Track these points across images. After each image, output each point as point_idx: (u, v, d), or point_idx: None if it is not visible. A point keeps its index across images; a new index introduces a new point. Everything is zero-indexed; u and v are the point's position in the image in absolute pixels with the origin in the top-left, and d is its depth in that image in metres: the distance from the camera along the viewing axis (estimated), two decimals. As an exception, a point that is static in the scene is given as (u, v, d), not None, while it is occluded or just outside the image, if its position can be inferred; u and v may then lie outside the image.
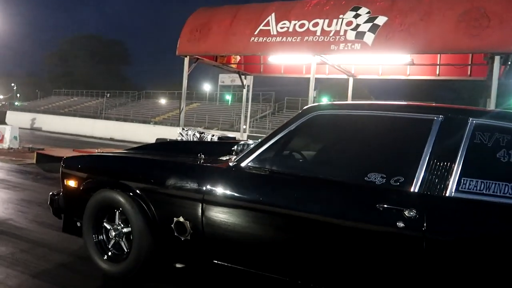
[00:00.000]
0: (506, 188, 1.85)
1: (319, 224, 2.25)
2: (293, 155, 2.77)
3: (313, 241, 2.27)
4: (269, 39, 8.50)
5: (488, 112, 2.19)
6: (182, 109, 10.28)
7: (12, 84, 77.32)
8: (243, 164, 2.53)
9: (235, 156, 2.72)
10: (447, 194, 1.95)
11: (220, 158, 3.02)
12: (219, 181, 2.55)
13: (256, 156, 2.52)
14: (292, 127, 2.53)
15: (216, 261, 2.60)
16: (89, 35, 72.91)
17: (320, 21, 8.12)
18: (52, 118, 25.96)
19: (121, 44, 74.55)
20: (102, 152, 4.06)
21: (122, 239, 2.92)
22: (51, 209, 3.34)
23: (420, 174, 2.02)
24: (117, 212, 2.92)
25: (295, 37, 8.26)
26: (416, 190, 2.00)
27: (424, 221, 1.92)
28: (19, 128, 12.23)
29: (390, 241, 2.04)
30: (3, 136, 11.30)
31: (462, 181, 1.94)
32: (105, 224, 2.99)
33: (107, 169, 3.15)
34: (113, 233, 2.93)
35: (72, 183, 3.13)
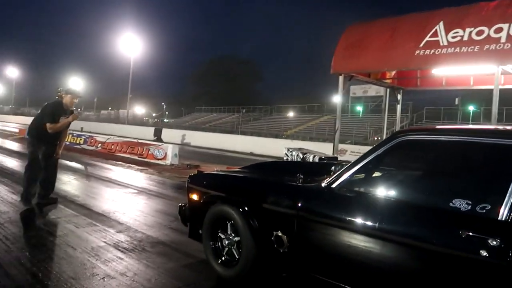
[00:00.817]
0: None
1: (403, 245, 2.25)
2: (380, 178, 2.76)
3: (396, 261, 2.31)
4: (438, 51, 7.43)
5: None
6: (337, 128, 9.72)
7: (162, 104, 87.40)
8: (334, 185, 2.66)
9: (329, 177, 2.81)
10: None
11: (317, 179, 3.06)
12: (312, 201, 2.77)
13: (346, 178, 2.64)
14: (380, 151, 2.60)
15: (312, 274, 2.78)
16: (224, 56, 78.65)
17: (505, 26, 6.79)
18: (198, 134, 28.03)
19: (252, 62, 78.47)
20: (219, 170, 4.45)
21: (233, 247, 3.26)
22: (180, 218, 3.82)
23: (508, 202, 1.95)
24: (229, 224, 3.26)
25: (472, 47, 7.06)
26: (503, 219, 1.94)
27: (509, 251, 1.84)
28: (172, 143, 13.17)
29: (473, 268, 2.00)
30: (165, 154, 12.19)
31: None
32: (219, 233, 3.35)
33: (221, 186, 3.58)
34: (226, 242, 3.30)
35: (195, 196, 3.60)
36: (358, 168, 2.64)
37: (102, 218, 5.07)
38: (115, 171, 9.71)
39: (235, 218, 3.14)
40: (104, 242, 4.14)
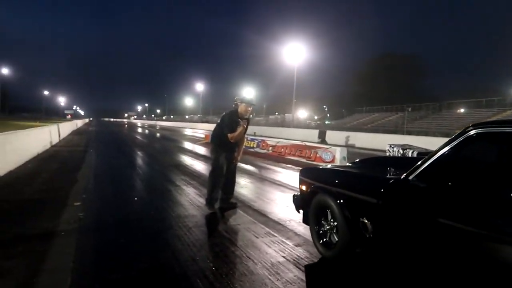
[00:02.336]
0: None
1: (471, 234, 2.24)
2: (453, 170, 2.66)
3: (460, 249, 2.34)
4: None
5: None
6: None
7: (324, 106, 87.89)
8: (410, 177, 2.77)
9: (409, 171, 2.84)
10: None
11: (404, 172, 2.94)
12: (390, 191, 2.90)
13: (420, 171, 2.72)
14: (453, 144, 2.61)
15: (390, 256, 3.01)
16: (385, 53, 73.69)
17: None
18: (361, 135, 26.62)
19: (417, 57, 71.31)
20: (326, 165, 4.74)
21: (332, 232, 3.59)
22: (294, 206, 4.27)
23: None
24: (329, 211, 3.59)
25: None
26: None
27: None
28: (339, 146, 12.47)
29: None
30: (334, 157, 11.58)
31: None
32: (322, 219, 3.72)
33: (323, 178, 3.84)
34: (327, 227, 3.64)
35: (304, 187, 4.05)
36: (432, 161, 2.69)
37: (279, 228, 4.74)
38: (286, 175, 9.58)
39: (333, 207, 3.50)
40: (283, 257, 3.73)
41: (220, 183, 5.36)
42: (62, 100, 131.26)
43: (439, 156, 2.66)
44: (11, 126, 24.60)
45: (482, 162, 2.75)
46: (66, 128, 26.19)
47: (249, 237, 4.29)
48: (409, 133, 31.15)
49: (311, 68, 76.39)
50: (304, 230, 4.58)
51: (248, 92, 50.19)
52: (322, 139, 24.63)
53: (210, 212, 5.22)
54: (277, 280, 3.19)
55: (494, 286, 2.16)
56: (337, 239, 3.50)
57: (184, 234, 4.29)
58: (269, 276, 3.26)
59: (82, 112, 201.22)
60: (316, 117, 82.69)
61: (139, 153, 14.55)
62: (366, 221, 3.07)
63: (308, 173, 4.11)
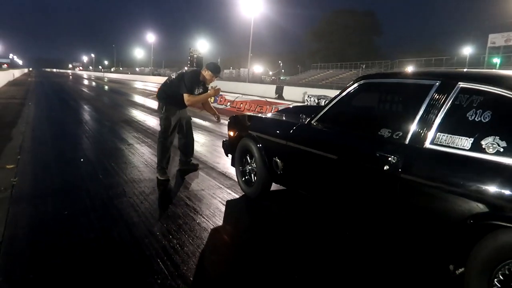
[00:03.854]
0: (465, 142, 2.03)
1: (341, 162, 2.81)
2: (342, 115, 3.11)
3: (337, 173, 2.89)
4: None
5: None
6: None
7: (279, 62, 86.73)
8: (312, 121, 3.19)
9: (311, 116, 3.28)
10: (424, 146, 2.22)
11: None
12: (296, 133, 3.31)
13: (320, 116, 3.14)
14: (346, 92, 3.03)
15: (296, 188, 3.51)
16: (344, 10, 72.82)
17: None
18: (317, 91, 26.43)
19: (373, 15, 71.10)
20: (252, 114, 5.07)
21: (252, 171, 3.98)
22: (224, 151, 4.58)
23: (412, 129, 2.32)
24: (250, 154, 3.96)
25: None
26: (406, 142, 2.31)
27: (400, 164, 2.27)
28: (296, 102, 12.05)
29: (380, 178, 2.43)
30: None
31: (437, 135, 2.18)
32: (244, 161, 4.09)
33: (244, 124, 4.16)
34: (248, 167, 4.04)
35: (231, 133, 4.34)
36: (329, 108, 3.11)
37: (247, 193, 4.22)
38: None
39: (253, 149, 3.83)
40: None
41: (170, 145, 4.69)
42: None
43: (334, 103, 3.09)
44: None
45: (366, 108, 3.26)
46: (0, 78, 23.62)
47: (216, 205, 3.77)
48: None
49: (268, 23, 74.28)
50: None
51: (201, 44, 48.08)
52: (279, 94, 24.23)
53: (163, 179, 4.51)
54: (254, 258, 2.73)
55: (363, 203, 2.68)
56: (255, 178, 3.88)
57: (140, 203, 3.68)
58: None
59: (20, 62, 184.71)
60: (271, 73, 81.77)
61: (85, 107, 13.31)
62: (278, 159, 3.48)
63: (235, 120, 4.39)
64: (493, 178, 1.87)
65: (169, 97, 4.59)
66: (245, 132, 4.05)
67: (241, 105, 13.51)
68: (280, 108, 11.17)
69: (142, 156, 5.73)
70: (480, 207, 1.88)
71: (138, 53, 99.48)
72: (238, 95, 14.71)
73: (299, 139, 3.25)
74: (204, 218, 3.42)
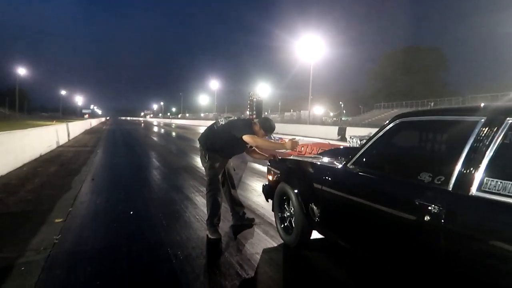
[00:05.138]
0: None
1: (383, 212, 2.42)
2: (380, 157, 2.88)
3: (376, 224, 2.55)
4: None
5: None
6: None
7: (340, 102, 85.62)
8: (349, 165, 2.95)
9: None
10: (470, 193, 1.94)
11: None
12: (332, 178, 3.09)
13: (356, 158, 2.90)
14: (382, 132, 2.79)
15: (335, 238, 3.19)
16: (406, 47, 70.76)
17: None
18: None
19: (436, 50, 68.18)
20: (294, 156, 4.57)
21: (291, 218, 3.73)
22: (264, 196, 4.38)
23: (455, 173, 2.04)
24: (289, 199, 3.76)
25: None
26: (450, 189, 2.02)
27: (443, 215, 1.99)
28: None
29: (420, 229, 2.12)
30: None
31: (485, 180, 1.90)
32: (283, 206, 3.91)
33: (283, 169, 3.99)
34: (287, 213, 3.84)
35: (270, 177, 4.25)
36: (366, 149, 2.87)
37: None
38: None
39: (291, 195, 3.64)
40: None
41: (221, 198, 4.16)
42: (79, 100, 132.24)
43: (371, 144, 2.86)
44: (23, 125, 23.99)
45: (405, 149, 3.04)
46: (78, 127, 25.50)
47: (271, 274, 3.10)
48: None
49: (327, 64, 74.52)
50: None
51: (262, 88, 48.97)
52: (341, 135, 23.29)
53: (215, 238, 3.95)
54: None
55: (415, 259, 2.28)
56: (294, 226, 3.66)
57: (184, 271, 3.12)
58: None
59: (99, 111, 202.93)
60: (332, 114, 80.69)
61: (148, 153, 13.53)
62: (314, 206, 3.27)
63: (274, 163, 4.20)
64: None
65: (214, 144, 4.12)
66: (283, 176, 3.88)
67: (303, 148, 12.88)
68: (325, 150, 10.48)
69: (195, 208, 5.26)
70: None
71: (203, 99, 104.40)
72: (300, 137, 14.16)
73: (334, 184, 3.05)
74: (258, 295, 2.76)
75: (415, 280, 2.30)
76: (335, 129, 25.86)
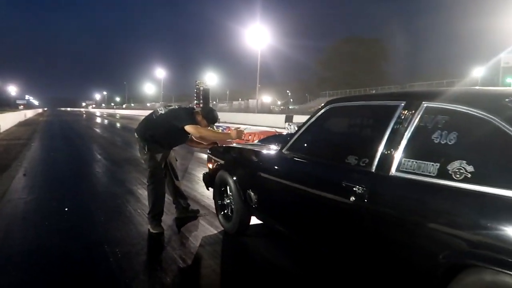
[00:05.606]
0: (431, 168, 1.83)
1: (312, 194, 2.54)
2: (310, 143, 2.92)
3: (309, 207, 2.63)
4: None
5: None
6: None
7: (287, 91, 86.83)
8: (284, 150, 2.99)
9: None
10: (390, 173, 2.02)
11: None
12: (267, 163, 3.17)
13: (290, 145, 2.96)
14: (315, 118, 2.86)
15: (272, 223, 3.25)
16: (349, 37, 73.01)
17: None
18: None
19: (378, 41, 71.08)
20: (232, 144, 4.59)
21: (231, 205, 3.73)
22: (204, 184, 4.30)
23: (377, 156, 2.12)
24: (227, 186, 3.74)
25: None
26: (373, 170, 2.10)
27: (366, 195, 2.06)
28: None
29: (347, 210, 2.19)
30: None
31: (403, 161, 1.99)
32: (223, 194, 3.87)
33: (221, 156, 3.93)
34: (227, 201, 3.82)
35: (210, 165, 4.17)
36: (299, 135, 2.94)
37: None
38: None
39: (229, 182, 3.65)
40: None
41: (163, 190, 3.99)
42: (13, 90, 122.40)
43: (304, 130, 2.91)
44: None
45: (335, 134, 3.02)
46: (10, 118, 23.61)
47: (215, 268, 3.02)
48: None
49: (275, 54, 75.03)
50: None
51: (210, 77, 48.32)
52: (289, 123, 23.61)
53: (157, 232, 3.77)
54: None
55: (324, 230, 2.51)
56: (232, 213, 3.70)
57: (122, 270, 2.94)
58: None
59: (36, 102, 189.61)
60: (279, 103, 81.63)
61: (89, 145, 12.81)
62: (251, 192, 3.28)
63: (214, 151, 4.16)
64: (463, 209, 1.67)
65: (154, 135, 3.90)
66: (222, 164, 3.85)
67: (250, 136, 12.86)
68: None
69: (138, 202, 5.02)
70: (450, 243, 1.65)
71: (149, 88, 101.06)
72: (247, 126, 14.12)
73: (269, 169, 3.09)
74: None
75: (348, 261, 2.37)
76: (282, 117, 26.14)
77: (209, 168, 4.19)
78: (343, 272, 2.83)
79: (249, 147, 3.83)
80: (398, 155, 2.01)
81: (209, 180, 4.17)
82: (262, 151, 3.38)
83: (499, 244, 1.48)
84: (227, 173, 3.69)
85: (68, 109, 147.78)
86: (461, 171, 1.69)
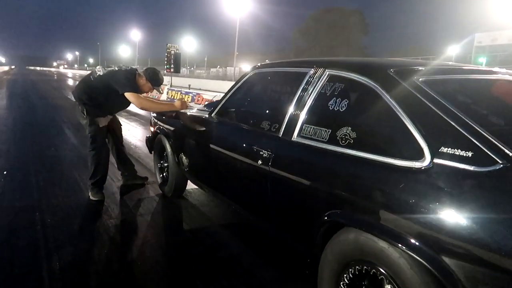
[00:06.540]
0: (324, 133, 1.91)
1: (232, 157, 2.57)
2: (235, 108, 2.94)
3: (229, 170, 2.69)
4: None
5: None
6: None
7: (266, 60, 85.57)
8: (212, 115, 3.00)
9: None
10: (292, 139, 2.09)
11: None
12: (195, 128, 3.17)
13: (218, 109, 2.98)
14: (240, 83, 2.92)
15: (201, 185, 3.29)
16: (330, 8, 71.83)
17: None
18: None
19: (360, 14, 70.25)
20: None
21: (168, 169, 3.75)
22: (148, 148, 4.27)
23: (285, 122, 2.19)
24: (165, 150, 3.73)
25: None
26: (280, 135, 2.17)
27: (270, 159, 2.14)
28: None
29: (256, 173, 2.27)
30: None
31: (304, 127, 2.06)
32: (162, 158, 3.93)
33: (161, 119, 3.89)
34: (165, 164, 3.85)
35: (152, 128, 4.12)
36: (227, 99, 2.96)
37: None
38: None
39: (166, 145, 3.66)
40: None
41: (105, 156, 3.76)
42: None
43: (231, 95, 2.94)
44: None
45: (256, 99, 2.96)
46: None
47: (150, 238, 2.87)
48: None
49: (254, 21, 73.28)
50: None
51: (188, 42, 46.79)
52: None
53: (97, 200, 3.60)
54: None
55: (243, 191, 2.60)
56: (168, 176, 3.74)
57: (47, 239, 2.77)
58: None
59: (3, 60, 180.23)
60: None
61: (46, 106, 12.22)
62: (183, 156, 3.32)
63: (156, 115, 4.11)
64: (343, 174, 1.77)
65: (93, 99, 3.61)
66: (160, 128, 3.83)
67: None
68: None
69: (85, 168, 4.77)
70: (332, 203, 1.75)
71: (124, 50, 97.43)
72: (218, 93, 13.78)
73: (198, 133, 3.13)
74: (126, 261, 2.52)
75: (257, 218, 2.49)
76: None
77: (151, 132, 4.14)
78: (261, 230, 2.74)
79: (188, 112, 3.65)
80: (300, 121, 2.08)
81: (151, 143, 4.13)
82: (194, 114, 3.37)
83: (362, 205, 1.60)
84: (164, 136, 3.69)
85: (38, 68, 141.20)
86: (346, 137, 1.78)
